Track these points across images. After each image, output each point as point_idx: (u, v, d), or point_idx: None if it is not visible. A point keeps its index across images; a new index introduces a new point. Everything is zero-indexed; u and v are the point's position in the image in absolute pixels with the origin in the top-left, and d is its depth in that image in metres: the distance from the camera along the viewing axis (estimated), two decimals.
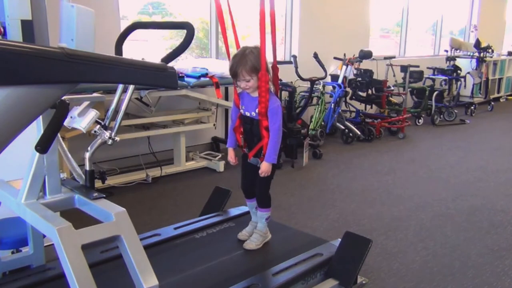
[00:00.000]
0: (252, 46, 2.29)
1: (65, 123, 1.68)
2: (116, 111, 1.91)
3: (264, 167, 2.33)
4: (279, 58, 6.51)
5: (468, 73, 8.59)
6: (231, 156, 2.53)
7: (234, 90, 2.43)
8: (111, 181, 4.17)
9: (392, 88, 7.11)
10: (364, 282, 2.44)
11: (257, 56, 2.25)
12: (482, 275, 2.85)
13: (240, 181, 2.59)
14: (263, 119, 2.29)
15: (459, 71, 8.35)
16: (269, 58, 2.36)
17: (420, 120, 7.56)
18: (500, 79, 10.22)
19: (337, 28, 6.94)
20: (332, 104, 6.04)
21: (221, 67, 4.56)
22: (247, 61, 2.23)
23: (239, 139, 2.48)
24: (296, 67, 5.62)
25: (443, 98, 8.11)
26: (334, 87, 6.12)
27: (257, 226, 2.55)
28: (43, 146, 1.41)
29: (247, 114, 2.37)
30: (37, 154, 1.64)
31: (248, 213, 2.81)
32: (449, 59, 8.35)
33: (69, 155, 1.87)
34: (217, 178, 4.58)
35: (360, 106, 6.76)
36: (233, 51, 2.44)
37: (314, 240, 2.64)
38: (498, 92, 10.29)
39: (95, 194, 1.68)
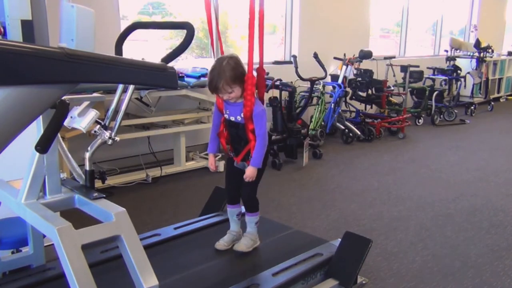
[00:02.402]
0: (228, 56, 2.21)
1: (65, 123, 1.68)
2: (116, 111, 1.91)
3: (249, 172, 2.28)
4: (279, 58, 6.51)
5: (468, 73, 8.59)
6: (211, 162, 2.48)
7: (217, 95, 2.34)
8: (111, 181, 4.17)
9: (392, 88, 7.11)
10: (364, 282, 2.44)
11: (234, 65, 2.17)
12: (482, 275, 2.85)
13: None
14: (248, 122, 2.24)
15: (459, 71, 8.35)
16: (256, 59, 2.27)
17: (420, 120, 7.55)
18: (500, 79, 10.22)
19: (337, 28, 6.94)
20: (332, 104, 6.04)
21: None
22: (226, 73, 2.15)
23: (223, 144, 2.42)
24: (296, 67, 5.62)
25: (443, 98, 8.11)
26: (334, 87, 6.12)
27: (247, 230, 2.51)
28: (43, 146, 1.41)
29: (232, 118, 2.31)
30: (37, 154, 1.64)
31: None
32: (449, 59, 8.35)
33: (69, 155, 1.87)
34: (217, 178, 4.57)
35: (360, 106, 6.76)
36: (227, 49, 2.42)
37: (314, 240, 2.64)
38: (498, 92, 10.29)
39: (95, 194, 1.68)
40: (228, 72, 2.15)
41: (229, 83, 2.16)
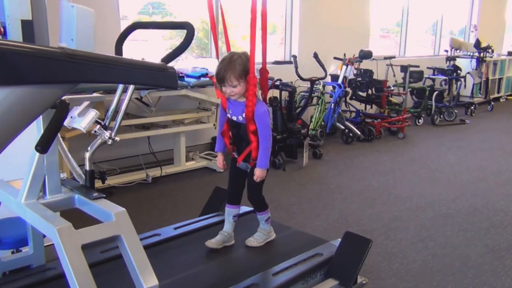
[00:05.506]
0: (240, 52, 2.24)
1: (65, 123, 1.68)
2: (116, 111, 1.90)
3: (259, 173, 2.30)
4: (279, 58, 6.51)
5: (468, 73, 8.59)
6: (220, 161, 2.52)
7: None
8: (111, 181, 4.17)
9: (392, 88, 7.11)
10: (364, 282, 2.43)
11: (245, 61, 2.19)
12: (482, 275, 2.85)
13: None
14: (250, 123, 2.24)
15: (459, 71, 8.35)
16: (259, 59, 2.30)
17: (420, 120, 7.55)
18: (500, 79, 10.22)
19: (337, 28, 6.94)
20: (332, 104, 6.04)
21: None
22: (236, 66, 2.17)
23: (227, 143, 2.44)
24: (296, 67, 5.62)
25: (443, 98, 8.11)
26: (334, 87, 6.12)
27: (259, 226, 2.54)
28: (43, 146, 1.41)
29: (234, 118, 2.32)
30: (37, 154, 1.63)
31: (247, 213, 2.81)
32: (449, 59, 8.35)
33: (69, 155, 1.87)
34: (217, 178, 4.58)
35: (360, 106, 6.76)
36: (225, 50, 2.42)
37: (314, 240, 2.64)
38: (498, 92, 10.29)
39: (95, 194, 1.68)
40: (238, 65, 2.17)
41: (236, 77, 2.17)
